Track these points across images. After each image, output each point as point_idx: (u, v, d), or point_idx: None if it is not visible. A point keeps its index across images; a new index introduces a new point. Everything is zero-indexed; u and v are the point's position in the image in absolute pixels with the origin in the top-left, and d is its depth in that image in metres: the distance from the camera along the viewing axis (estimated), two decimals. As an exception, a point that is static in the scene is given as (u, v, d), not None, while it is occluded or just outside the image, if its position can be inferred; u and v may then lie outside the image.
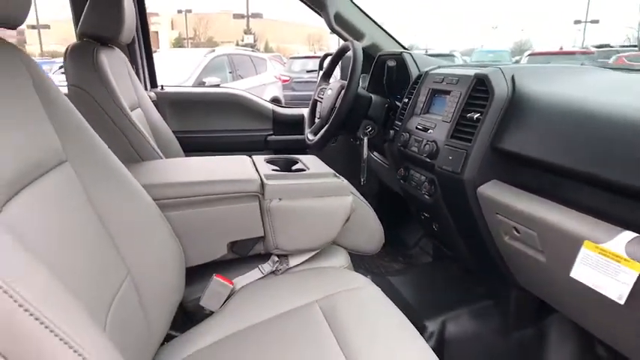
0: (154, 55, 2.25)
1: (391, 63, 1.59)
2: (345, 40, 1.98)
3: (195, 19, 50.21)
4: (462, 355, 1.40)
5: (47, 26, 32.71)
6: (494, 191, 1.08)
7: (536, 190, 1.00)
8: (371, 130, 1.66)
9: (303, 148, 2.14)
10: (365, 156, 1.67)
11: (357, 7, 2.00)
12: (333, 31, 2.00)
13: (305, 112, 2.28)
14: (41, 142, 0.73)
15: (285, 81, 9.53)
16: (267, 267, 1.18)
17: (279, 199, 1.16)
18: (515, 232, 1.04)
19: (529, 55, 11.42)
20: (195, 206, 1.12)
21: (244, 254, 1.20)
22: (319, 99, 1.87)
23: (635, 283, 0.74)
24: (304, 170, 1.33)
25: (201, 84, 5.83)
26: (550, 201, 0.95)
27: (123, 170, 0.93)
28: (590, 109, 0.90)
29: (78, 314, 0.52)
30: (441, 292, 1.58)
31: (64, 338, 0.46)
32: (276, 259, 1.20)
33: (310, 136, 1.78)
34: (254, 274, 1.17)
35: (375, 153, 2.00)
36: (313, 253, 1.23)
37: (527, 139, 1.00)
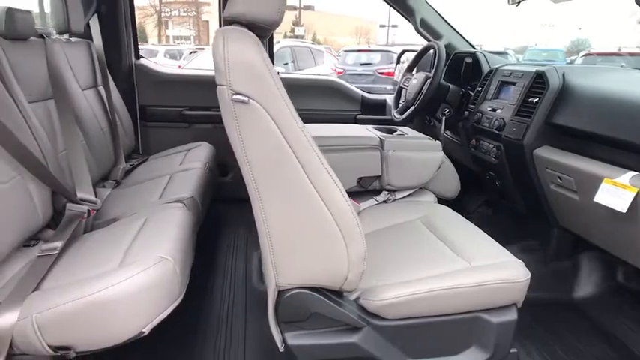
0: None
1: (469, 60, 2.11)
2: (428, 40, 2.49)
3: (245, 9, 50.90)
4: None
5: None
6: (546, 153, 1.58)
7: (574, 150, 1.50)
8: (448, 112, 2.17)
9: (386, 124, 2.68)
10: (443, 131, 2.19)
11: (438, 13, 2.50)
12: (419, 33, 2.51)
13: (387, 97, 2.82)
14: None
15: (339, 73, 10.06)
16: (380, 198, 1.73)
17: (394, 150, 1.71)
18: (559, 180, 1.53)
19: (584, 55, 11.49)
20: (335, 152, 1.68)
21: (366, 187, 1.76)
22: (404, 86, 2.39)
23: (633, 200, 1.24)
24: (402, 135, 1.87)
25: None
26: (583, 157, 1.44)
27: None
28: (618, 95, 1.38)
29: None
30: (498, 234, 2.09)
31: None
32: (387, 193, 1.74)
33: (397, 115, 2.31)
34: (371, 202, 1.72)
35: (447, 132, 2.51)
36: (412, 190, 1.78)
37: (572, 116, 1.50)
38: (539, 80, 1.66)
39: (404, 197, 1.77)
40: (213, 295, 1.77)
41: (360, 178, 1.76)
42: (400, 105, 2.35)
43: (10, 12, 1.57)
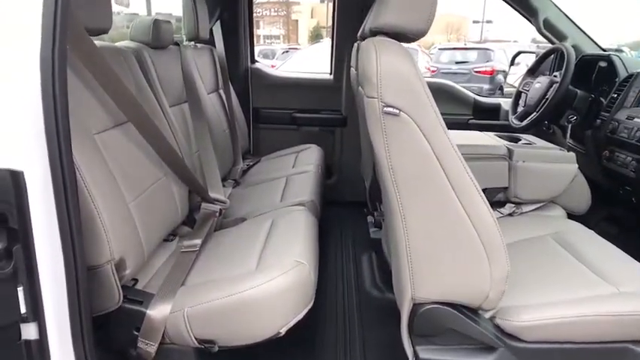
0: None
1: (603, 64, 1.95)
2: (552, 42, 2.33)
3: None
4: None
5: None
6: None
7: None
8: (575, 119, 2.02)
9: (501, 130, 2.56)
10: (567, 140, 2.04)
11: (563, 12, 2.34)
12: (542, 34, 2.36)
13: (501, 101, 2.70)
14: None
15: (432, 71, 9.80)
16: (505, 210, 1.66)
17: (523, 161, 1.63)
18: None
19: None
20: None
21: (491, 199, 1.69)
22: (524, 91, 2.26)
23: None
24: (530, 144, 1.77)
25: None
26: None
27: None
28: None
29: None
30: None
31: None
32: (512, 205, 1.66)
33: (515, 121, 2.19)
34: (495, 215, 1.65)
35: (570, 140, 2.35)
36: (540, 204, 1.67)
37: None
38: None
39: (531, 211, 1.68)
40: (327, 299, 1.80)
41: (485, 189, 1.69)
42: (519, 110, 2.23)
43: (157, 23, 1.71)
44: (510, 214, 1.66)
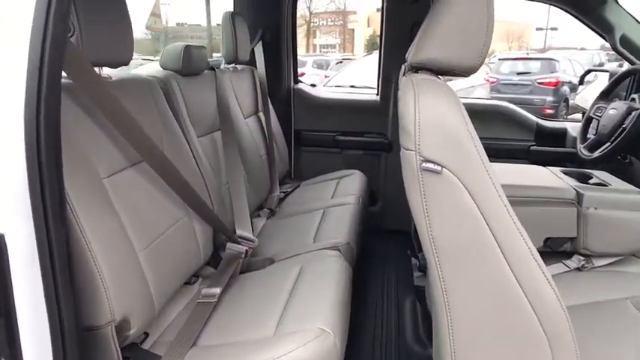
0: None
1: None
2: (630, 61, 2.05)
3: (390, 17, 51.19)
4: None
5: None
6: None
7: None
8: (660, 151, 1.74)
9: (570, 161, 2.28)
10: None
11: None
12: (617, 52, 2.08)
13: (568, 126, 2.41)
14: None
15: (492, 82, 9.36)
16: (572, 263, 1.41)
17: (595, 208, 1.38)
18: None
19: None
20: (518, 204, 1.41)
21: (555, 249, 1.45)
22: (595, 117, 1.99)
23: None
24: (603, 185, 1.51)
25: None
26: None
27: None
28: None
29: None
30: None
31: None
32: (582, 258, 1.42)
33: (585, 151, 1.92)
34: (560, 267, 1.41)
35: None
36: (617, 258, 1.42)
37: None
38: None
39: (605, 265, 1.42)
40: (362, 350, 1.63)
41: (548, 239, 1.45)
42: (589, 139, 1.96)
43: (188, 50, 1.62)
44: (579, 269, 1.41)
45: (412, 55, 0.97)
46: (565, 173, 1.63)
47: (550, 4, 2.21)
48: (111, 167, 1.10)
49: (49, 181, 0.75)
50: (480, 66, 0.91)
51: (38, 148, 0.73)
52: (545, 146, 2.39)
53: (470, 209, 0.80)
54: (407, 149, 0.84)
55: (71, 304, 0.83)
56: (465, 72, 0.91)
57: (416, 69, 1.00)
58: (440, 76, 1.00)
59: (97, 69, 1.17)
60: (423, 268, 1.67)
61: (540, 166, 1.69)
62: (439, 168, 0.80)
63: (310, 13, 33.69)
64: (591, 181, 1.59)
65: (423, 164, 0.81)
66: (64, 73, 0.90)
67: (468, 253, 0.82)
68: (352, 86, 6.21)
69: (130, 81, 1.28)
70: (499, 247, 0.80)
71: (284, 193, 2.27)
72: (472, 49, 0.88)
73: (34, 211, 0.75)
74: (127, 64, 1.19)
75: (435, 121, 0.80)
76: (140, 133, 1.09)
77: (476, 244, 0.81)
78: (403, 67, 2.03)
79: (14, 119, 0.72)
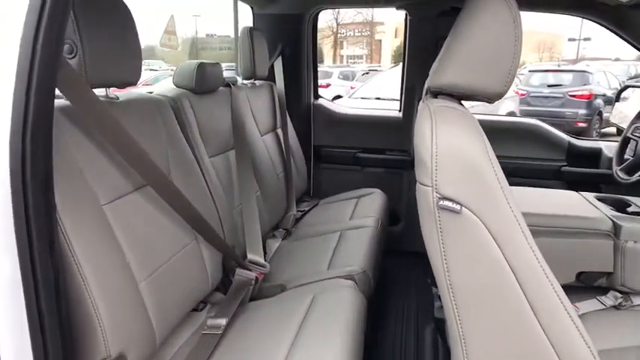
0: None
1: None
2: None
3: (419, 27, 50.99)
4: None
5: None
6: None
7: None
8: None
9: (604, 183, 2.14)
10: None
11: None
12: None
13: (603, 145, 2.27)
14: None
15: (521, 95, 9.13)
16: (608, 301, 1.29)
17: (635, 241, 1.26)
18: None
19: None
20: (548, 235, 1.30)
21: (589, 284, 1.33)
22: (634, 137, 1.85)
23: None
24: None
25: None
26: None
27: None
28: None
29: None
30: None
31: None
32: (619, 295, 1.29)
33: (622, 174, 1.79)
34: (594, 304, 1.29)
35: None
36: (661, 296, 1.29)
37: None
38: None
39: None
40: None
41: (581, 273, 1.33)
42: (627, 160, 1.83)
43: (201, 67, 1.58)
44: (615, 307, 1.28)
45: (431, 78, 0.89)
46: (599, 200, 1.51)
47: (584, 18, 2.09)
48: (112, 192, 1.05)
49: (36, 207, 0.71)
50: (507, 92, 0.83)
51: (23, 172, 0.69)
52: (578, 167, 2.25)
53: (491, 251, 0.72)
54: (423, 184, 0.76)
55: (58, 339, 0.78)
56: (490, 98, 0.83)
57: (435, 94, 0.92)
58: (461, 101, 0.92)
59: (103, 90, 1.13)
60: None
61: (572, 192, 1.57)
62: (458, 207, 0.72)
63: (337, 24, 33.89)
64: (630, 209, 1.47)
65: (441, 202, 0.73)
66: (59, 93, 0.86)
67: (488, 298, 0.73)
68: (378, 98, 6.12)
69: (137, 101, 1.24)
70: (523, 292, 0.71)
71: (301, 212, 2.21)
72: (498, 73, 0.80)
73: (19, 240, 0.71)
74: (134, 84, 1.15)
75: (454, 154, 0.72)
76: (144, 156, 1.04)
77: (497, 288, 0.72)
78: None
79: None
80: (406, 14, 2.30)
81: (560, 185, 2.31)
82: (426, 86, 1.02)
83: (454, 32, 0.88)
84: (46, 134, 0.74)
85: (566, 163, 2.27)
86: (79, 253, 0.90)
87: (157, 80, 9.81)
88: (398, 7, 2.30)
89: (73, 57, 0.97)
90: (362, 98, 6.37)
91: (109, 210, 1.03)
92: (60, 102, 0.95)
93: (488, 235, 0.72)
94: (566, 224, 1.32)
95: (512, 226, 0.71)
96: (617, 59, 17.00)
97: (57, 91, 0.86)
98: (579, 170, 2.24)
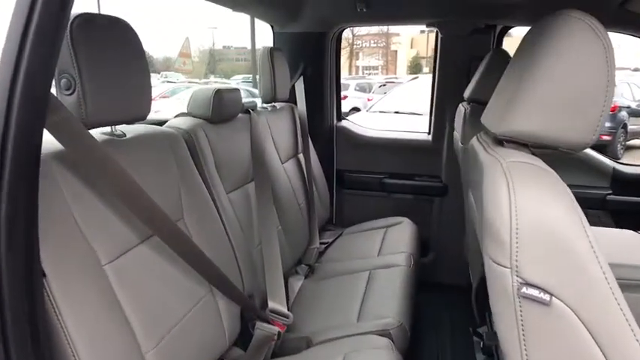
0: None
1: None
2: None
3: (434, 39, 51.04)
4: None
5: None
6: None
7: None
8: None
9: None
10: None
11: None
12: None
13: (654, 171, 2.07)
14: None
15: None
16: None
17: None
18: None
19: None
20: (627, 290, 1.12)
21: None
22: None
23: None
24: None
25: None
26: None
27: None
28: None
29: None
30: None
31: None
32: None
33: None
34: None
35: None
36: None
37: None
38: None
39: None
40: None
41: None
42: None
43: (219, 94, 1.44)
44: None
45: (496, 123, 0.74)
46: None
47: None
48: (115, 249, 0.91)
49: (10, 272, 0.58)
50: (595, 141, 0.67)
51: None
52: (625, 195, 2.06)
53: (588, 351, 0.56)
54: (497, 263, 0.60)
55: None
56: (574, 149, 0.67)
57: (499, 140, 0.76)
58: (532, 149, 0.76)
59: (107, 128, 1.00)
60: (489, 352, 1.39)
61: (628, 230, 1.38)
62: (547, 297, 0.56)
63: (353, 35, 33.93)
64: None
65: (524, 289, 0.57)
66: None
67: None
68: (397, 112, 5.95)
69: (146, 137, 1.10)
70: None
71: (324, 243, 2.05)
72: (586, 120, 0.64)
73: None
74: (143, 119, 1.01)
75: (540, 228, 0.56)
76: (152, 205, 0.90)
77: None
78: (461, 107, 1.78)
79: None
80: (437, 32, 2.15)
81: (604, 215, 2.11)
82: (483, 124, 0.86)
83: (522, 65, 0.73)
84: (28, 194, 0.61)
85: (611, 192, 2.08)
86: (69, 323, 0.77)
87: (175, 93, 9.76)
88: (428, 25, 2.15)
89: (71, 93, 0.83)
90: (380, 112, 6.20)
91: (111, 270, 0.88)
92: (52, 147, 0.81)
93: (585, 333, 0.56)
94: (629, 275, 1.14)
95: (619, 325, 0.55)
96: (636, 69, 16.54)
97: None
98: (627, 199, 2.04)
